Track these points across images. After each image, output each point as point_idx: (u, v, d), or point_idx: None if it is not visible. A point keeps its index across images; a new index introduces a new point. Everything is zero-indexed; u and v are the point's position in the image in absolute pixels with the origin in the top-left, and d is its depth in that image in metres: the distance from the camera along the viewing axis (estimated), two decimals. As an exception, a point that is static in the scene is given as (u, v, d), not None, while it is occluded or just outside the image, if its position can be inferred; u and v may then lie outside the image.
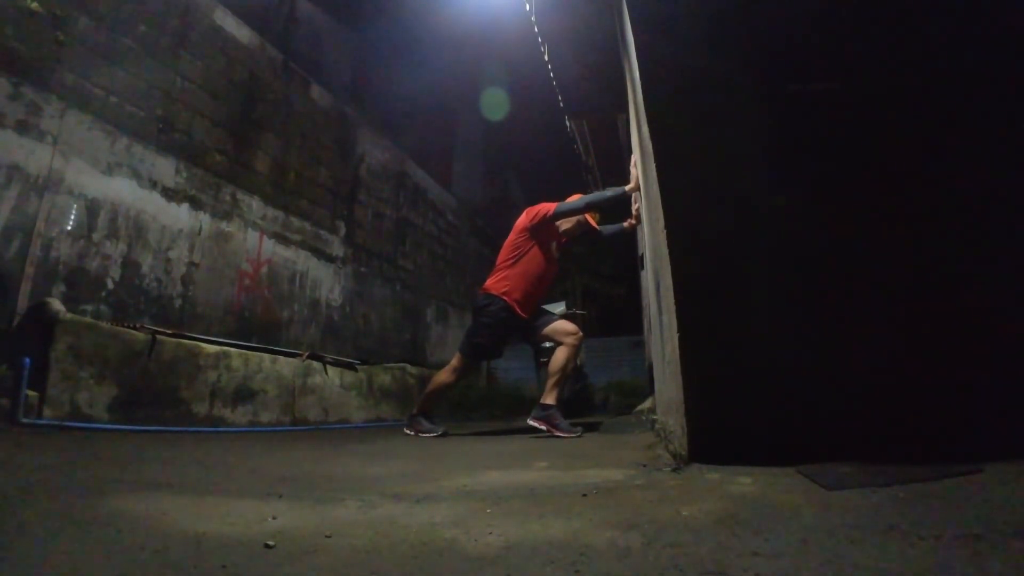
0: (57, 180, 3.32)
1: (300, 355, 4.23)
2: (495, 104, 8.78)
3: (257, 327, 4.82)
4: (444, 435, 3.22)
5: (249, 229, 4.82)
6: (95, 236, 3.54)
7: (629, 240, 6.07)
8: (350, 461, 2.18)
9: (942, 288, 1.50)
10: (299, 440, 3.04)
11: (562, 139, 7.53)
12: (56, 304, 2.87)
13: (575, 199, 3.35)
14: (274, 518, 1.12)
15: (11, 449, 1.93)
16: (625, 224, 3.58)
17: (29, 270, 3.13)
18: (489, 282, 3.38)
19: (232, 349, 3.61)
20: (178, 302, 4.09)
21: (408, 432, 3.27)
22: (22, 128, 3.15)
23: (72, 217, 3.41)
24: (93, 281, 3.51)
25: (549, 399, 3.09)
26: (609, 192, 3.27)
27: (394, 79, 6.95)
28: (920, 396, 1.43)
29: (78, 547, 0.90)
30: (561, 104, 6.20)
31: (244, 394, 3.55)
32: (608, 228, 3.61)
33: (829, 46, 1.72)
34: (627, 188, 3.20)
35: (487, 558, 0.88)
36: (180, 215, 4.15)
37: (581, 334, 3.32)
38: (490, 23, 6.58)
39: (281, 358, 3.99)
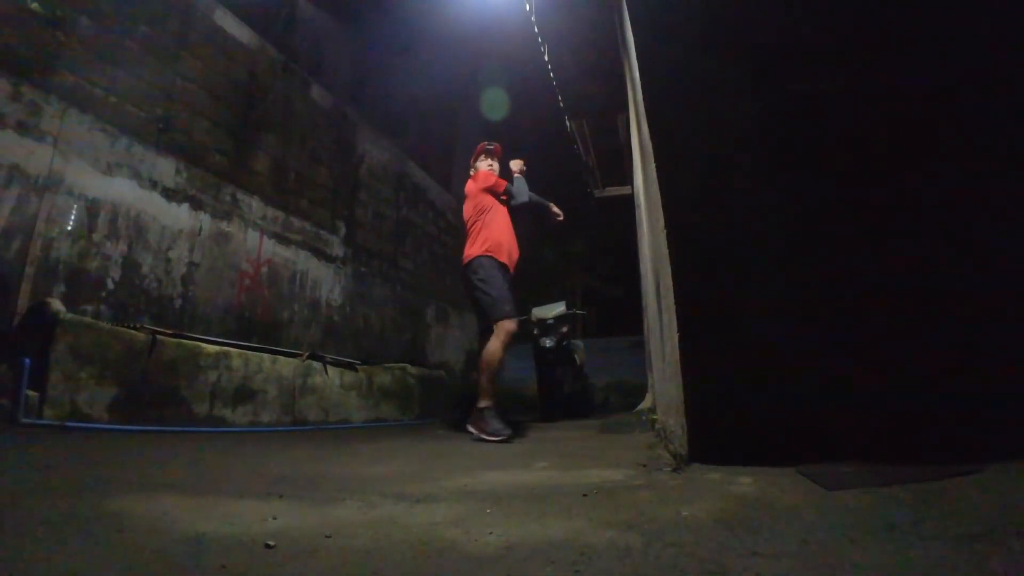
0: (57, 180, 3.31)
1: (300, 355, 4.23)
2: (495, 104, 8.77)
3: (257, 327, 4.82)
4: (510, 440, 2.90)
5: (249, 229, 4.82)
6: (95, 236, 3.53)
7: (629, 239, 6.07)
8: (350, 461, 2.18)
9: (943, 288, 1.50)
10: (299, 440, 3.04)
11: (562, 139, 7.53)
12: (56, 304, 2.87)
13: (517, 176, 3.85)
14: (274, 518, 1.12)
15: (11, 449, 1.93)
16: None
17: (29, 270, 3.13)
18: (470, 251, 3.51)
19: (232, 349, 3.61)
20: (178, 302, 4.09)
21: (471, 430, 3.00)
22: (22, 128, 3.15)
23: (72, 217, 3.41)
24: (93, 281, 3.50)
25: (482, 401, 3.08)
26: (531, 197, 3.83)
27: (394, 79, 6.95)
28: (920, 396, 1.43)
29: (79, 547, 0.90)
30: (561, 104, 6.20)
31: (244, 394, 3.55)
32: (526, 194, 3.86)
33: (829, 46, 1.72)
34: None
35: (487, 558, 0.88)
36: (180, 215, 4.15)
37: (512, 331, 3.31)
38: (490, 23, 6.58)
39: (281, 358, 3.99)
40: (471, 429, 3.02)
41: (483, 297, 3.35)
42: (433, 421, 5.18)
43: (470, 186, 3.75)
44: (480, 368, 3.23)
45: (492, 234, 3.51)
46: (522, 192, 3.75)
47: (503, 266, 3.48)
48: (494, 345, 3.21)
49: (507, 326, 3.22)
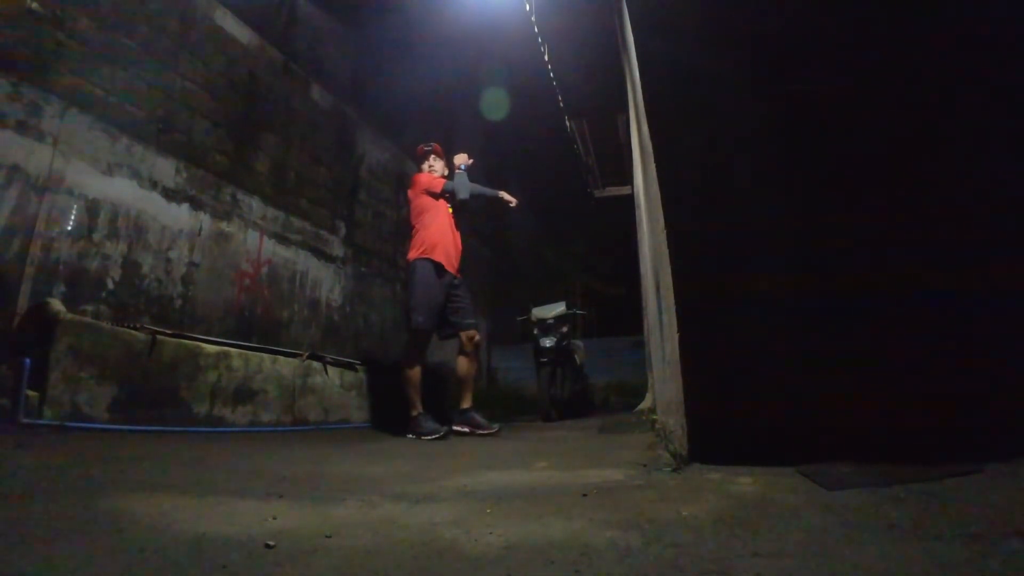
0: (57, 180, 3.31)
1: (300, 355, 4.23)
2: (495, 104, 8.75)
3: (257, 327, 4.82)
4: (446, 436, 3.22)
5: (249, 229, 4.82)
6: (95, 236, 3.53)
7: (629, 239, 6.07)
8: (350, 461, 2.18)
9: (942, 288, 1.50)
10: (299, 440, 3.04)
11: (562, 139, 7.52)
12: (56, 304, 2.86)
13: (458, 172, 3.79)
14: (274, 518, 1.12)
15: (12, 449, 1.93)
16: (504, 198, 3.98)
17: (29, 270, 3.12)
18: (408, 255, 3.67)
19: (232, 349, 3.61)
20: (178, 302, 4.09)
21: (410, 436, 3.27)
22: (22, 128, 3.14)
23: (72, 217, 3.40)
24: (93, 281, 3.50)
25: (466, 403, 3.56)
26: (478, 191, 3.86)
27: (394, 79, 6.94)
28: (920, 396, 1.43)
29: (79, 547, 0.90)
30: (561, 104, 6.20)
31: (244, 394, 3.55)
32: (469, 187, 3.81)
33: (829, 46, 1.72)
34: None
35: (487, 558, 0.88)
36: (180, 215, 4.15)
37: (480, 341, 3.65)
38: (490, 23, 6.57)
39: (281, 358, 3.98)
40: (410, 435, 3.30)
41: (405, 302, 3.61)
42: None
43: (408, 193, 3.85)
44: (402, 381, 3.55)
45: (428, 235, 3.60)
46: (462, 188, 3.69)
47: (438, 267, 3.57)
48: (408, 358, 3.60)
49: (411, 338, 3.65)
